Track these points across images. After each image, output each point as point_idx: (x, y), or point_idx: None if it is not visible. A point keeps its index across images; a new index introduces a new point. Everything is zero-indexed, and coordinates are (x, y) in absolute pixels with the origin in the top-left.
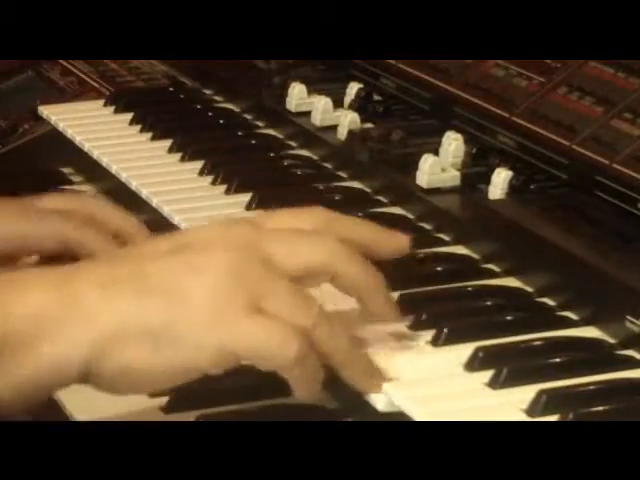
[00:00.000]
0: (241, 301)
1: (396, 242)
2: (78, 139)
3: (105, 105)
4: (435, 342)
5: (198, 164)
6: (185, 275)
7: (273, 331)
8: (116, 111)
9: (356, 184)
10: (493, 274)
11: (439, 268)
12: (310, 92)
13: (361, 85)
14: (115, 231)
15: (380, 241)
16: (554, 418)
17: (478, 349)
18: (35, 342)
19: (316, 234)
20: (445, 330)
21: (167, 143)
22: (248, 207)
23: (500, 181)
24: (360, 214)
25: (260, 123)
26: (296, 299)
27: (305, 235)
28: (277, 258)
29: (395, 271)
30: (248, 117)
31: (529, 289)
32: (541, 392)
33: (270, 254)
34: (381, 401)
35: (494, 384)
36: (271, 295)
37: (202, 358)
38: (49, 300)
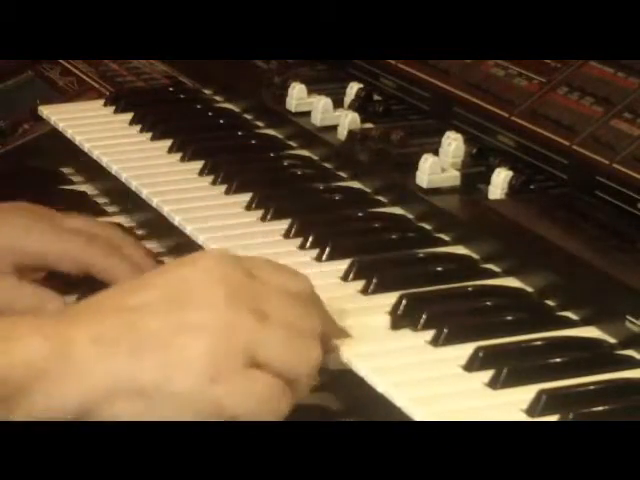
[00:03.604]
0: (234, 358)
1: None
2: (78, 139)
3: (105, 105)
4: (435, 342)
5: (198, 164)
6: (180, 334)
7: (264, 391)
8: (116, 111)
9: (356, 184)
10: (493, 274)
11: (439, 268)
12: (310, 92)
13: (361, 85)
14: (127, 258)
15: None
16: (554, 418)
17: (478, 349)
18: (28, 393)
19: (311, 345)
20: (445, 330)
21: (167, 143)
22: (248, 207)
23: (500, 181)
24: (360, 214)
25: (260, 123)
26: (288, 349)
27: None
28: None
29: (395, 271)
30: (248, 117)
31: (529, 289)
32: (541, 392)
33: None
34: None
35: (494, 384)
36: (264, 346)
37: (191, 413)
38: (44, 352)
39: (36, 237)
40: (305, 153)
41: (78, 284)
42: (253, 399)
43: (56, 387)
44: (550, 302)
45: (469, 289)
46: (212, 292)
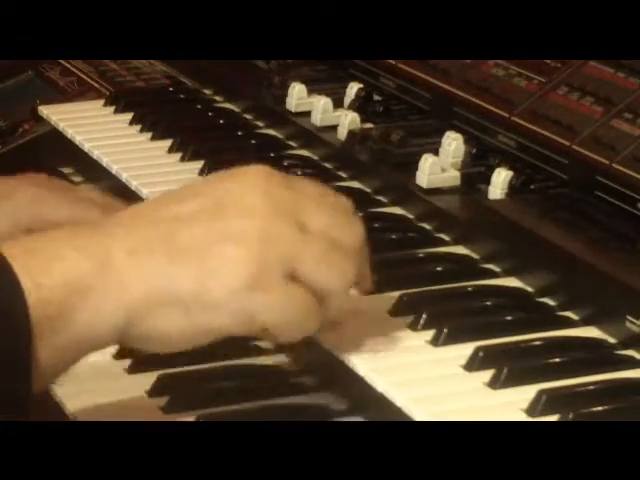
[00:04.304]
0: (273, 269)
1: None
2: (78, 139)
3: (105, 105)
4: (435, 342)
5: (198, 164)
6: (219, 242)
7: (300, 306)
8: (116, 111)
9: (356, 184)
10: (493, 274)
11: (439, 268)
12: (310, 92)
13: (361, 85)
14: None
15: None
16: (554, 418)
17: (478, 349)
18: (69, 310)
19: (348, 263)
20: (445, 330)
21: (167, 143)
22: None
23: (500, 181)
24: (360, 214)
25: (260, 123)
26: (325, 265)
27: (340, 260)
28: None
29: (395, 271)
30: (248, 117)
31: (529, 289)
32: (541, 392)
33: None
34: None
35: (494, 384)
36: (303, 259)
37: (229, 323)
38: (81, 268)
39: (50, 206)
40: (305, 153)
41: None
42: (286, 313)
43: (96, 302)
44: (550, 302)
45: (469, 289)
46: (254, 202)
